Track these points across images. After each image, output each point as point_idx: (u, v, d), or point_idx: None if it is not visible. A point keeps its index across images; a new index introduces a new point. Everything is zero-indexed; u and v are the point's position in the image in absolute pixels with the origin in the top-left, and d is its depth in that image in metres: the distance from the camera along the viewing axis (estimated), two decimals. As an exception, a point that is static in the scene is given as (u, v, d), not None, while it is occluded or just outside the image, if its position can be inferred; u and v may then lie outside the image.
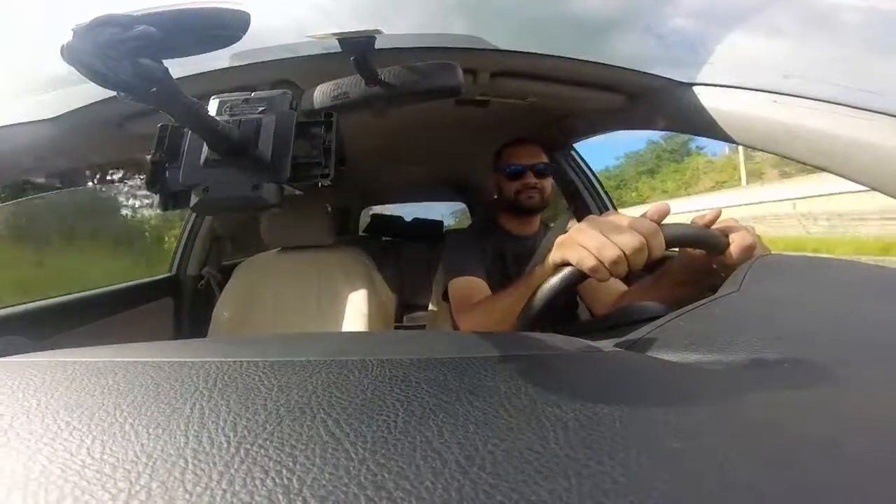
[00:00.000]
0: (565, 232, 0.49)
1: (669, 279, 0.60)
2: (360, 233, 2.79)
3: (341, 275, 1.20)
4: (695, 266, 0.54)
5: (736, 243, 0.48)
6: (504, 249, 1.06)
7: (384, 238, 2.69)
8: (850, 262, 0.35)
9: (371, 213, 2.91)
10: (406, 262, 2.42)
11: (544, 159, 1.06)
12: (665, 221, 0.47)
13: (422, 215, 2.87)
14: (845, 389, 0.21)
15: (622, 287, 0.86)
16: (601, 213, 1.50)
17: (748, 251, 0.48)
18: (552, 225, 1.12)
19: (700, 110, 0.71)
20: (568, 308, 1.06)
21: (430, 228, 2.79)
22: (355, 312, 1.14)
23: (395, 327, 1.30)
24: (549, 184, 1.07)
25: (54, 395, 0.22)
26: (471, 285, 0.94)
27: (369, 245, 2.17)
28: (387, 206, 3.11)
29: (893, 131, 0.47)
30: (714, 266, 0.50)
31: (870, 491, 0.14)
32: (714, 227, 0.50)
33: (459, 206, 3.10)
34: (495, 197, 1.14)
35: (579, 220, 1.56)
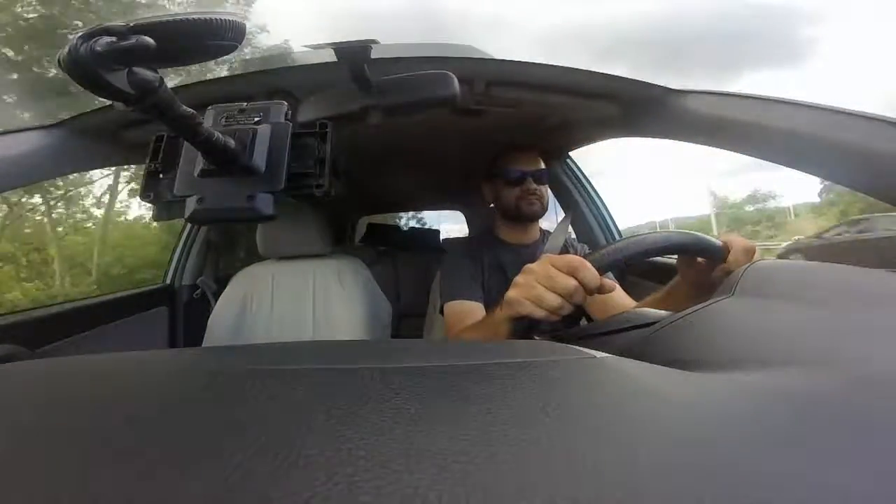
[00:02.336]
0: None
1: (681, 292, 0.59)
2: (357, 242, 2.78)
3: (337, 284, 1.20)
4: (704, 277, 0.54)
5: (736, 249, 0.48)
6: (503, 261, 1.04)
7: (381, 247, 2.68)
8: (844, 268, 0.35)
9: (367, 222, 2.90)
10: (403, 271, 2.41)
11: (543, 166, 1.06)
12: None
13: (419, 224, 2.85)
14: (839, 393, 0.21)
15: (630, 302, 0.84)
16: (597, 219, 1.48)
17: (749, 256, 0.48)
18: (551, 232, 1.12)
19: (694, 118, 0.71)
20: (573, 320, 1.04)
21: (428, 238, 2.77)
22: (351, 321, 1.14)
23: (392, 335, 1.30)
24: (547, 191, 1.07)
25: (49, 403, 0.21)
26: (464, 309, 0.93)
27: (366, 254, 2.17)
28: (384, 214, 3.10)
29: (889, 136, 0.47)
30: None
31: (868, 494, 0.14)
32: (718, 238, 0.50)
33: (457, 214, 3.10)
34: (491, 205, 1.14)
35: (576, 228, 1.54)
